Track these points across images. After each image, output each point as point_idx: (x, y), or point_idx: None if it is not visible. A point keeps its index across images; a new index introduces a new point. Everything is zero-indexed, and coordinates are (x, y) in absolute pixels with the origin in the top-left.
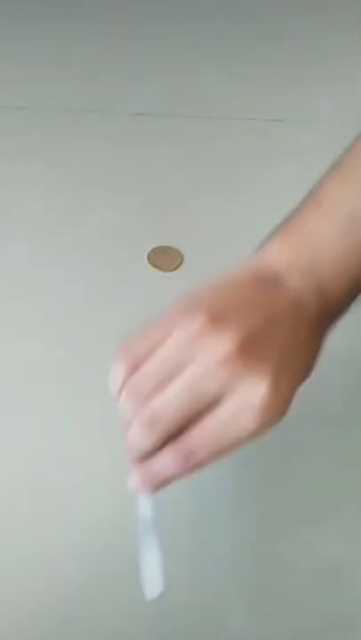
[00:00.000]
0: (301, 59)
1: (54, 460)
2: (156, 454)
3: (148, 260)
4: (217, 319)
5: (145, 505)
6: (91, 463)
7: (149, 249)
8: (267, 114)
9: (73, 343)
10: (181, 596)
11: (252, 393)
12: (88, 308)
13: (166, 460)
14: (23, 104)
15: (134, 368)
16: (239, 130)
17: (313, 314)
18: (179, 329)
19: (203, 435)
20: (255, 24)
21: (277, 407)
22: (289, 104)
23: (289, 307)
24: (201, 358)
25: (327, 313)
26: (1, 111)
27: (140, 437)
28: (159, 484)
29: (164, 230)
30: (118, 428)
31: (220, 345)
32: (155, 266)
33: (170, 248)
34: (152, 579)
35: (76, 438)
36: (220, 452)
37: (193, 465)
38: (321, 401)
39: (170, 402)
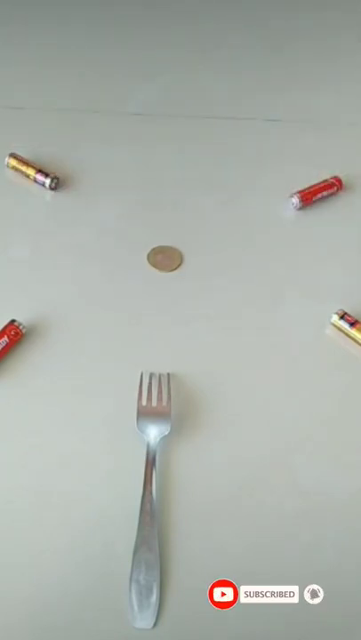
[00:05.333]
0: (301, 59)
1: (54, 459)
2: None
3: (148, 260)
4: None
5: None
6: (91, 463)
7: (149, 249)
8: (267, 114)
9: (73, 344)
10: (180, 597)
11: None
12: (88, 308)
13: None
14: (23, 104)
15: None
16: (239, 130)
17: None
18: None
19: None
20: (255, 24)
21: None
22: (289, 104)
23: None
24: None
25: None
26: (1, 111)
27: None
28: None
29: (164, 230)
30: (118, 428)
31: None
32: (155, 266)
33: (170, 248)
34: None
35: (76, 438)
36: None
37: None
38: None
39: None
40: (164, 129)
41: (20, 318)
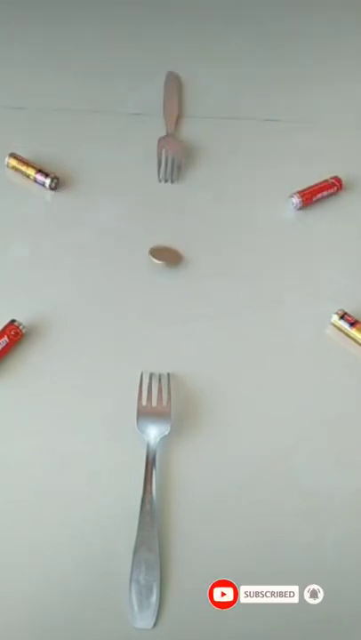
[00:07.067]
0: (301, 59)
1: (54, 459)
2: None
3: (148, 260)
4: None
5: None
6: (91, 463)
7: (149, 249)
8: (267, 114)
9: (73, 344)
10: (180, 597)
11: None
12: (88, 308)
13: None
14: (23, 104)
15: None
16: (239, 130)
17: None
18: None
19: None
20: (255, 24)
21: None
22: (289, 104)
23: None
24: None
25: None
26: (1, 111)
27: None
28: None
29: (164, 230)
30: (118, 428)
31: None
32: (154, 266)
33: (170, 248)
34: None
35: (76, 438)
36: None
37: None
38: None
39: None
40: (163, 129)
41: (20, 318)
